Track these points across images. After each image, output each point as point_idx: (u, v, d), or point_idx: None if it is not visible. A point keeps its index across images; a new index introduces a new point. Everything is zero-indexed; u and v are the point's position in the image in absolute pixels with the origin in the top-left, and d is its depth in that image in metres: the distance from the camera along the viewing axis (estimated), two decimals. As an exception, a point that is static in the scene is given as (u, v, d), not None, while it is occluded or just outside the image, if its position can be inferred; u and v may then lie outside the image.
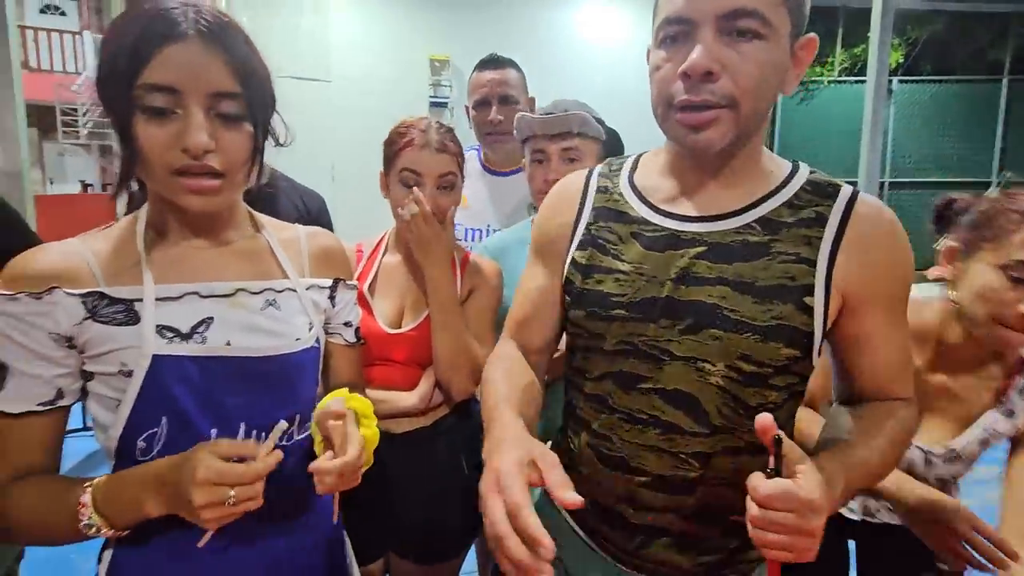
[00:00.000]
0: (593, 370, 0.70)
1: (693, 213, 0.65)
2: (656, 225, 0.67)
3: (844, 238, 0.61)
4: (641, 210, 0.68)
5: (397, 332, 1.02)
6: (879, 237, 0.62)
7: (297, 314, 0.71)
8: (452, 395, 1.03)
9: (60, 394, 0.61)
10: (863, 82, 7.57)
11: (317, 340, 0.73)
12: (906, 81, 8.76)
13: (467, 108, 1.56)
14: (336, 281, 0.78)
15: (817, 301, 0.60)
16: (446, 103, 7.28)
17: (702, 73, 0.57)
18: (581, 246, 0.71)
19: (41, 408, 0.60)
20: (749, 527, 0.52)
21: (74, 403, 0.63)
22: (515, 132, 1.16)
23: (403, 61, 7.09)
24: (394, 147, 1.02)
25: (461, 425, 1.09)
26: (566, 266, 0.73)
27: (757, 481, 0.51)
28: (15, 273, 0.58)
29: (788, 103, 8.71)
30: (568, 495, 0.49)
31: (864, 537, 1.12)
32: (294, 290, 0.71)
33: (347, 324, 0.80)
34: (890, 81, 7.93)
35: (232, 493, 0.54)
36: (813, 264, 0.61)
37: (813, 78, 8.57)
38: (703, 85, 0.58)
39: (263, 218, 0.76)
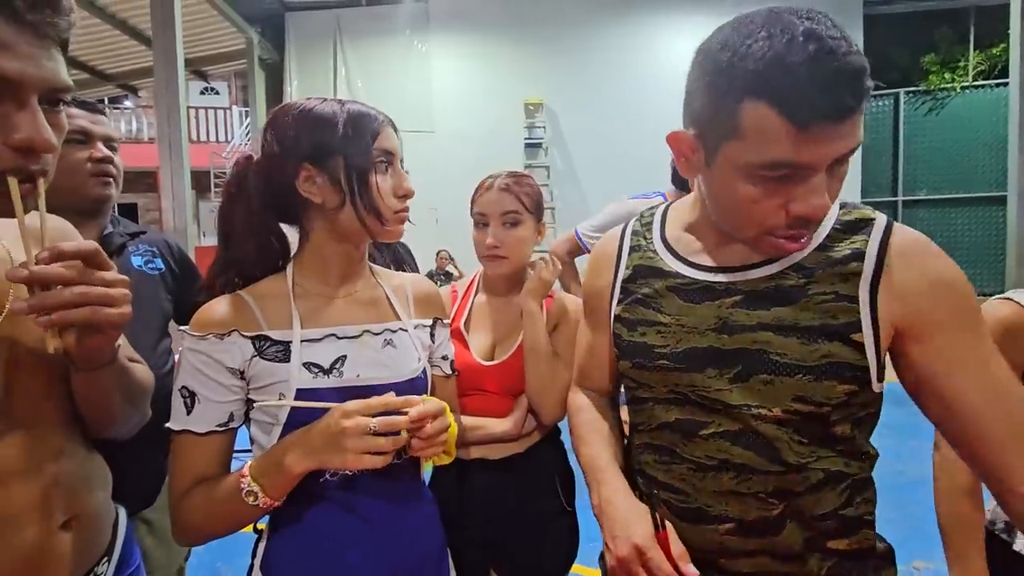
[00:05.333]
0: (650, 421, 0.73)
1: (725, 264, 0.68)
2: (690, 278, 0.70)
3: (884, 269, 0.61)
4: (675, 265, 0.72)
5: (490, 364, 1.10)
6: (916, 260, 0.61)
7: (409, 350, 0.83)
8: (543, 420, 1.09)
9: (232, 417, 0.74)
10: (1004, 85, 6.72)
11: (424, 371, 0.84)
12: (1062, 79, 7.59)
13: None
14: (435, 320, 0.91)
15: (866, 335, 0.60)
16: (540, 143, 7.55)
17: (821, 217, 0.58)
18: (621, 302, 0.76)
19: (219, 428, 0.73)
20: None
21: (239, 426, 0.78)
22: None
23: (499, 107, 7.47)
24: (472, 197, 1.14)
25: (553, 452, 1.15)
26: (611, 321, 0.78)
27: None
28: (204, 320, 0.74)
29: (913, 114, 7.88)
30: (688, 568, 0.60)
31: None
32: (406, 330, 0.85)
33: (444, 357, 0.92)
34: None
35: (374, 423, 0.65)
36: (854, 300, 0.61)
37: (943, 85, 7.71)
38: (810, 223, 0.59)
39: (378, 268, 0.91)
